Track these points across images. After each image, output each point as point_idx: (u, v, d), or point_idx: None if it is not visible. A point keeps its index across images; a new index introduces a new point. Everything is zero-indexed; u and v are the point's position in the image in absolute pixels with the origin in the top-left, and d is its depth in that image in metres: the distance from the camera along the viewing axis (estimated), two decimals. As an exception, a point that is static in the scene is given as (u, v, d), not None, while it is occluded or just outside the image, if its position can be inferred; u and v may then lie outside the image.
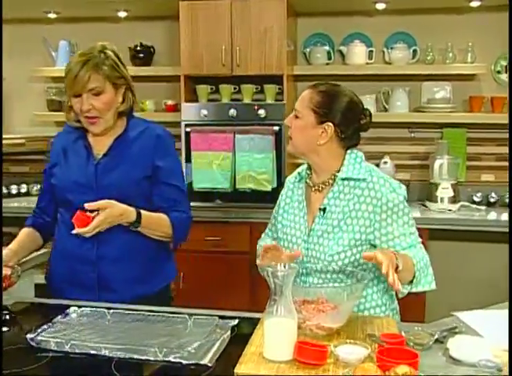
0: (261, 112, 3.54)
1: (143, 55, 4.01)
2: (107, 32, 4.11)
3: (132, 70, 3.92)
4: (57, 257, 2.12)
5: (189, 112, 3.65)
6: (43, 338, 1.59)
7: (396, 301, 1.96)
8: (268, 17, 3.50)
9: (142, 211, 1.98)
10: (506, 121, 3.57)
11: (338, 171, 1.88)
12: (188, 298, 3.62)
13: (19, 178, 4.35)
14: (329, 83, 1.91)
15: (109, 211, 1.89)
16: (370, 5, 3.72)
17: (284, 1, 3.47)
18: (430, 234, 3.51)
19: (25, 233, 2.15)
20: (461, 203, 3.71)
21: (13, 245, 2.07)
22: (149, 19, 4.06)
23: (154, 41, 4.04)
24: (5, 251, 2.01)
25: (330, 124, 1.84)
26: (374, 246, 1.83)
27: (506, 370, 1.37)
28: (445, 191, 3.67)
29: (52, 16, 4.05)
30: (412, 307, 3.44)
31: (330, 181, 1.89)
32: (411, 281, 1.75)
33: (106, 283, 2.02)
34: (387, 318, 1.78)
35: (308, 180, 1.96)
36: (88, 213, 1.88)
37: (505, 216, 3.50)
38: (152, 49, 4.03)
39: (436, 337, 1.59)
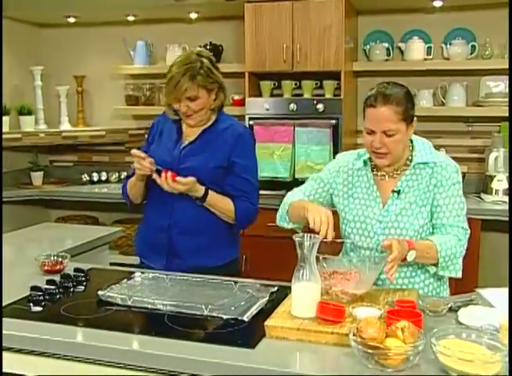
0: (320, 106, 3.75)
1: (212, 53, 4.25)
2: (180, 32, 4.47)
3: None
4: (142, 226, 2.50)
5: (253, 106, 3.92)
6: (111, 294, 1.90)
7: (447, 283, 2.16)
8: (327, 16, 3.70)
9: (210, 191, 2.29)
10: None
11: (410, 157, 2.08)
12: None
13: (99, 167, 4.77)
14: (387, 87, 1.99)
15: (193, 185, 2.23)
16: (428, 3, 3.85)
17: (342, 1, 3.66)
18: (484, 225, 3.60)
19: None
20: (516, 195, 3.77)
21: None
22: (218, 19, 4.35)
23: (223, 40, 4.32)
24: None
25: (415, 118, 2.04)
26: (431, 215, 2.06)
27: (502, 334, 1.54)
28: (499, 183, 3.75)
29: (131, 18, 4.42)
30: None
31: (403, 167, 2.08)
32: (435, 264, 1.98)
33: (174, 250, 2.35)
34: (409, 289, 1.97)
35: (375, 171, 2.13)
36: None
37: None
38: (220, 48, 4.31)
39: (450, 306, 1.79)
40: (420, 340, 1.42)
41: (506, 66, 3.83)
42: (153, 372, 1.55)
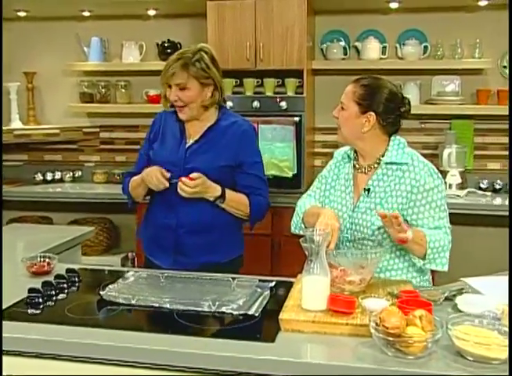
0: (283, 104, 3.81)
1: (170, 50, 4.26)
2: (137, 29, 4.42)
3: (160, 65, 4.26)
4: (146, 223, 2.48)
5: (216, 104, 3.92)
6: (112, 294, 1.88)
7: (429, 273, 2.20)
8: (290, 16, 3.76)
9: (226, 189, 2.29)
10: (511, 113, 3.82)
11: (383, 156, 2.12)
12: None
13: (52, 166, 4.63)
14: (371, 76, 2.16)
15: (204, 179, 2.21)
16: (384, 4, 3.97)
17: (304, 0, 3.72)
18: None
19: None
20: (468, 189, 3.95)
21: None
22: (176, 17, 4.32)
23: (181, 38, 4.29)
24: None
25: (372, 113, 2.08)
26: (406, 221, 2.07)
27: (503, 318, 1.64)
28: (453, 178, 3.93)
29: (86, 14, 4.32)
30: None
31: (375, 164, 2.14)
32: (423, 258, 2.03)
33: (181, 249, 2.35)
34: (403, 280, 2.05)
35: (355, 162, 2.21)
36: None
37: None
38: (179, 45, 4.27)
39: (446, 295, 1.87)
40: (438, 327, 1.49)
41: (457, 67, 4.03)
42: (178, 371, 1.55)
